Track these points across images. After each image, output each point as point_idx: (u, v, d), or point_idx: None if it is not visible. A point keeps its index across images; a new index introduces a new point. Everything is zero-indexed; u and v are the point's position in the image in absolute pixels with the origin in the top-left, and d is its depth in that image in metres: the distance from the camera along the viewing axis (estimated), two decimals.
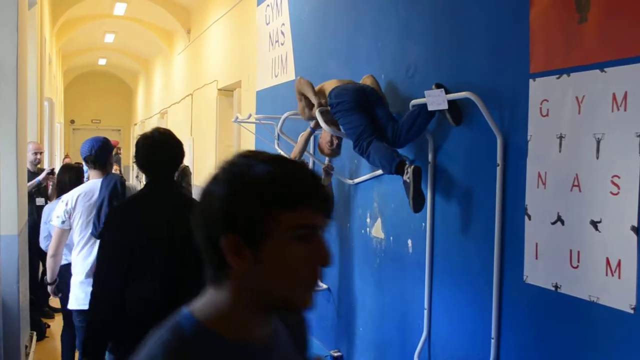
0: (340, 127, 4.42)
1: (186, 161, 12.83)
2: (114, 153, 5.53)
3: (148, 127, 19.62)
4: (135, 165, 13.79)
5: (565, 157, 3.02)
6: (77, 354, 4.74)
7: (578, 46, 2.95)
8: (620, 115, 2.72)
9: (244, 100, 8.82)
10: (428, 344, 4.22)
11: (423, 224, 4.22)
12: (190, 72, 13.18)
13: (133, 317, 2.89)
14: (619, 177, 2.73)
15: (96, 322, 2.91)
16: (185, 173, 9.80)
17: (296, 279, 1.13)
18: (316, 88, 4.74)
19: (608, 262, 2.77)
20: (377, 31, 4.88)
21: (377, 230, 4.93)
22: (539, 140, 3.18)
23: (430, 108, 3.85)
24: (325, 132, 4.71)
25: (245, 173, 1.14)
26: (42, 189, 6.59)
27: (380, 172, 4.63)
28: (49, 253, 4.38)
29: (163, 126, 16.25)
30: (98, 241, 3.37)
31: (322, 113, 4.58)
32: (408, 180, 3.88)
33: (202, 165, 11.87)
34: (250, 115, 6.66)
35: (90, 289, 3.02)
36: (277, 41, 7.27)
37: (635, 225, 2.64)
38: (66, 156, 14.63)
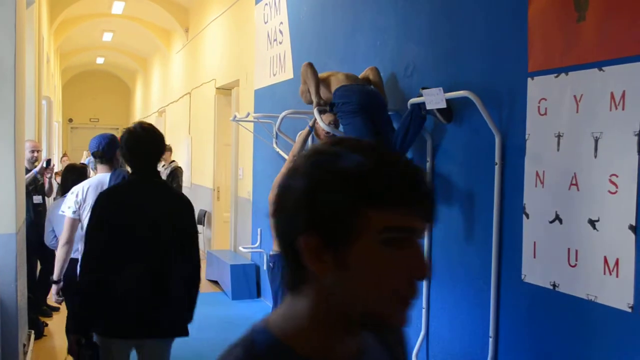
0: (341, 127, 4.42)
1: (185, 160, 12.86)
2: None
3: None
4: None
5: (563, 156, 3.02)
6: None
7: (576, 45, 2.95)
8: (618, 114, 2.72)
9: (242, 99, 8.81)
10: (426, 343, 4.22)
11: None
12: (189, 71, 13.17)
13: (116, 298, 3.10)
14: (617, 176, 2.73)
15: (84, 298, 3.11)
16: (176, 174, 9.81)
17: (385, 291, 0.96)
18: (322, 75, 4.69)
19: (606, 261, 2.78)
20: (376, 30, 4.88)
21: None
22: (537, 139, 3.18)
23: (428, 107, 3.85)
24: (326, 116, 4.69)
25: (331, 163, 0.97)
26: (39, 186, 6.57)
27: None
28: (60, 242, 4.33)
29: (161, 125, 16.28)
30: None
31: (320, 111, 4.58)
32: None
33: (200, 164, 11.87)
34: (248, 114, 6.66)
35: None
36: (275, 40, 7.27)
37: (634, 224, 2.65)
38: (64, 155, 14.60)
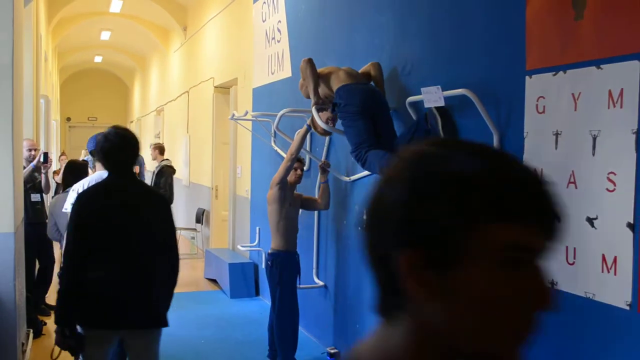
0: (342, 127, 4.40)
1: (183, 159, 12.85)
2: None
3: (144, 125, 19.53)
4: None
5: (561, 153, 3.02)
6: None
7: (574, 43, 2.95)
8: (616, 112, 2.72)
9: (241, 97, 8.81)
10: None
11: None
12: (187, 70, 13.16)
13: (95, 293, 3.31)
14: (615, 174, 2.73)
15: (65, 292, 3.32)
16: (162, 172, 9.81)
17: (499, 323, 0.80)
18: (323, 71, 4.65)
19: (604, 259, 2.78)
20: (374, 29, 4.88)
21: None
22: (535, 137, 3.19)
23: (426, 105, 3.85)
24: (324, 113, 4.68)
25: (438, 167, 0.82)
26: (37, 184, 6.55)
27: None
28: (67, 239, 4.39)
29: (160, 124, 16.23)
30: None
31: (319, 109, 4.58)
32: None
33: (198, 162, 11.86)
34: (246, 113, 6.66)
35: None
36: (273, 38, 7.27)
37: (631, 221, 2.65)
38: (62, 154, 14.59)
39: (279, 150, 6.76)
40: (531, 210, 0.82)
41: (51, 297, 6.26)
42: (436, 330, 0.83)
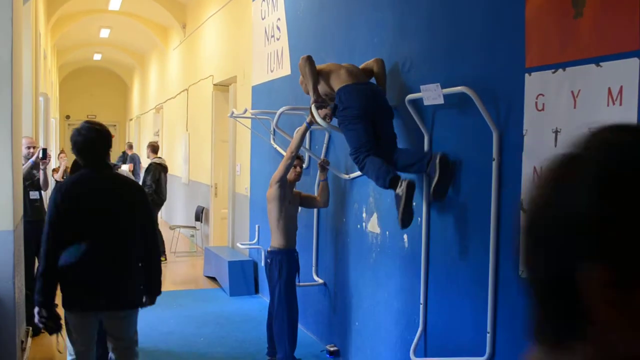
0: (342, 130, 4.39)
1: (182, 157, 12.84)
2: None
3: (143, 123, 19.51)
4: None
5: (561, 151, 3.02)
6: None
7: (574, 41, 2.95)
8: (615, 110, 2.72)
9: (240, 95, 8.81)
10: (424, 339, 4.23)
11: (419, 218, 4.22)
12: (186, 67, 13.16)
13: (68, 277, 3.59)
14: None
15: (42, 275, 3.57)
16: (150, 169, 9.92)
17: None
18: (324, 68, 4.62)
19: None
20: (373, 26, 4.88)
21: (372, 225, 4.94)
22: (535, 134, 3.18)
23: (426, 102, 3.85)
24: (322, 110, 4.66)
25: (636, 160, 0.66)
26: (36, 181, 6.54)
27: None
28: None
29: (159, 121, 16.22)
30: None
31: (318, 107, 4.57)
32: (400, 194, 3.87)
33: (198, 160, 11.86)
34: (245, 110, 6.66)
35: None
36: (272, 36, 7.26)
37: None
38: (61, 151, 14.58)
39: (278, 148, 6.76)
40: None
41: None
42: (624, 358, 0.67)
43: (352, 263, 5.33)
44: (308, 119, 4.86)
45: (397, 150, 4.22)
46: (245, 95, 8.44)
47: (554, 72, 3.06)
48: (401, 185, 3.86)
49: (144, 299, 3.87)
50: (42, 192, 6.61)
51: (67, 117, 24.37)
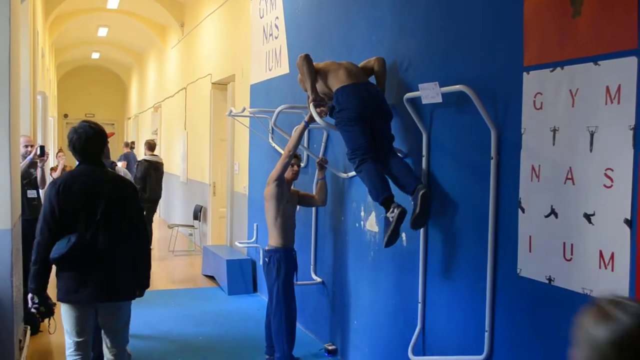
0: (339, 130, 4.38)
1: (180, 155, 12.82)
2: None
3: (142, 121, 19.49)
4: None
5: (559, 150, 3.02)
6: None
7: (572, 39, 2.95)
8: (613, 108, 2.72)
9: (238, 93, 8.80)
10: (422, 337, 4.23)
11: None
12: (184, 66, 13.15)
13: (58, 266, 3.78)
14: (612, 170, 2.73)
15: (35, 264, 3.76)
16: (138, 166, 10.13)
17: None
18: (322, 67, 4.59)
19: (601, 255, 2.78)
20: (371, 25, 4.88)
21: (371, 224, 4.94)
22: (533, 133, 3.19)
23: (424, 101, 3.84)
24: (321, 109, 4.66)
25: None
26: (33, 180, 6.52)
27: None
28: None
29: (157, 120, 16.19)
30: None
31: (316, 106, 4.56)
32: (391, 220, 3.95)
33: (196, 159, 11.86)
34: (244, 109, 6.65)
35: None
36: (271, 35, 7.26)
37: (629, 218, 2.65)
38: (60, 150, 14.56)
39: (277, 147, 6.75)
40: None
41: (50, 295, 6.25)
42: None
43: (350, 262, 5.33)
44: (307, 118, 4.86)
45: (395, 157, 4.21)
46: (243, 93, 8.44)
47: (552, 71, 3.06)
48: (393, 211, 3.95)
49: (135, 293, 4.06)
50: (40, 190, 6.60)
51: (65, 115, 24.34)
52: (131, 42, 18.87)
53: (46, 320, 5.83)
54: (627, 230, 2.66)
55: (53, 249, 3.72)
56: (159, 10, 13.51)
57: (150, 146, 10.62)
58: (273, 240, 5.17)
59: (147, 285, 4.13)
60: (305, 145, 6.00)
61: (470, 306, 3.71)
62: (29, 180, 6.35)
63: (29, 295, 3.86)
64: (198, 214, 11.28)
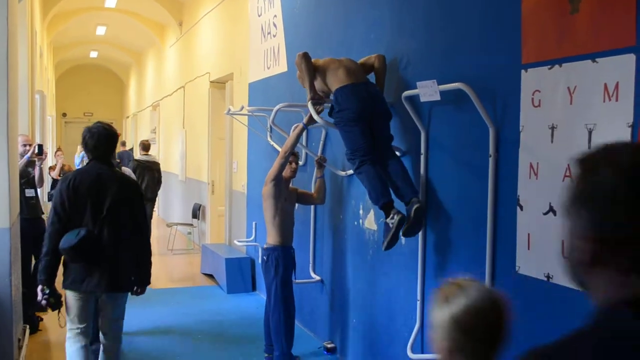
0: (338, 130, 4.38)
1: (179, 154, 12.81)
2: None
3: (140, 120, 19.49)
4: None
5: (557, 147, 3.03)
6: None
7: (570, 37, 2.95)
8: (611, 106, 2.72)
9: (236, 92, 8.79)
10: (421, 335, 4.23)
11: None
12: (182, 65, 13.14)
13: (66, 257, 4.03)
14: None
15: (45, 256, 4.03)
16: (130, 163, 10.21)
17: None
18: (322, 64, 4.58)
19: None
20: (370, 23, 4.88)
21: (369, 222, 4.94)
22: (531, 130, 3.19)
23: (422, 99, 3.85)
24: (319, 106, 4.66)
25: None
26: (31, 179, 6.51)
27: None
28: None
29: (156, 119, 16.20)
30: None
31: (314, 104, 4.56)
32: (391, 226, 4.00)
33: (194, 157, 11.85)
34: (242, 108, 6.65)
35: None
36: (269, 33, 7.25)
37: None
38: (58, 149, 14.54)
39: (275, 145, 6.75)
40: None
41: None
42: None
43: (349, 260, 5.33)
44: (305, 120, 4.86)
45: (393, 159, 4.21)
46: (241, 92, 8.43)
47: (550, 68, 3.06)
48: (393, 217, 4.00)
49: (135, 288, 4.29)
50: (38, 189, 6.59)
51: (64, 114, 24.32)
52: (129, 40, 18.85)
53: (56, 312, 5.85)
54: None
55: (63, 240, 3.94)
56: (157, 9, 13.49)
57: (144, 146, 10.68)
58: (271, 238, 5.17)
59: (148, 282, 4.34)
60: (304, 143, 6.00)
61: None
62: (27, 179, 6.34)
63: (39, 287, 4.05)
64: (197, 212, 11.28)
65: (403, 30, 4.43)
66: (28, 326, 5.83)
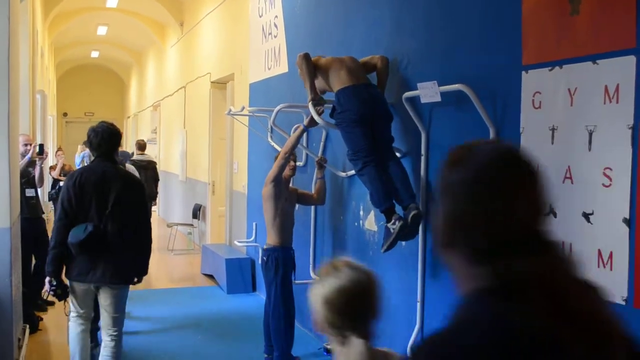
0: (340, 131, 4.38)
1: (180, 154, 12.82)
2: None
3: (141, 120, 19.50)
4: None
5: (557, 149, 3.03)
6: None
7: (570, 38, 2.95)
8: (612, 107, 2.72)
9: (237, 92, 8.80)
10: (421, 336, 4.23)
11: None
12: (183, 65, 13.14)
13: (72, 249, 4.17)
14: (610, 169, 2.74)
15: (53, 248, 4.21)
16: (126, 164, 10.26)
17: None
18: (323, 63, 4.58)
19: (600, 254, 2.78)
20: (371, 24, 4.88)
21: (370, 223, 4.94)
22: (532, 132, 3.19)
23: (423, 100, 3.85)
24: (320, 107, 4.66)
25: None
26: (31, 179, 6.52)
27: None
28: None
29: (156, 119, 16.19)
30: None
31: (315, 105, 4.56)
32: (392, 232, 4.04)
33: (195, 158, 11.85)
34: (243, 108, 6.65)
35: None
36: (270, 33, 7.26)
37: (627, 217, 2.65)
38: (59, 149, 14.54)
39: (276, 146, 6.75)
40: None
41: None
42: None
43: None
44: (306, 122, 4.86)
45: (394, 162, 4.21)
46: (242, 92, 8.43)
47: (550, 70, 3.06)
48: (395, 223, 4.02)
49: (134, 279, 4.48)
50: (38, 189, 6.59)
51: (65, 114, 24.33)
52: (130, 41, 18.86)
53: (62, 302, 5.88)
54: (626, 229, 2.66)
55: (70, 234, 4.14)
56: (159, 9, 13.50)
57: (140, 146, 10.73)
58: (271, 239, 5.17)
59: (145, 272, 4.55)
60: (305, 144, 6.00)
61: None
62: (27, 179, 6.34)
63: (47, 279, 4.28)
64: (197, 212, 11.28)
65: (403, 31, 4.43)
66: (28, 326, 5.83)
